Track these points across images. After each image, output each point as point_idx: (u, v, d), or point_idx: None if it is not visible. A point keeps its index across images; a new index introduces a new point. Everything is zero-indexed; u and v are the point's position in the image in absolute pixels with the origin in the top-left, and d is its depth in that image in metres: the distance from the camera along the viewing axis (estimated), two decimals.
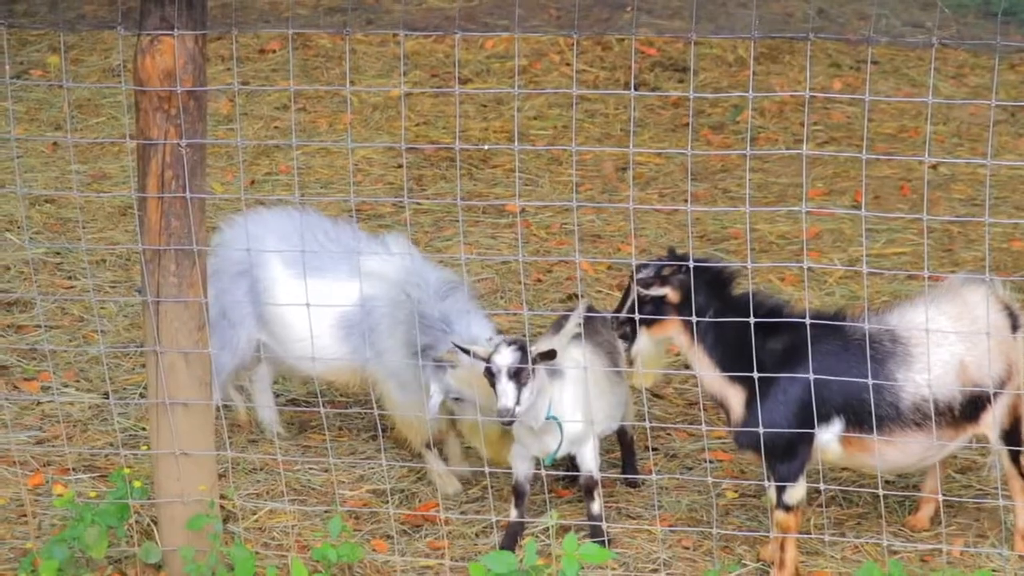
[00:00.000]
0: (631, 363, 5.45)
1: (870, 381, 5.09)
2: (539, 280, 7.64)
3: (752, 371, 5.05)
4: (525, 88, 9.77)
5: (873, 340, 5.21)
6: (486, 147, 8.81)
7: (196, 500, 5.27)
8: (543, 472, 5.53)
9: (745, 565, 5.44)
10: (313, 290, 5.43)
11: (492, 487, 5.78)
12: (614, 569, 5.36)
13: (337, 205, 8.37)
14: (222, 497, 5.41)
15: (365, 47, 10.42)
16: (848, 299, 7.36)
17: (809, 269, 7.34)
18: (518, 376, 5.27)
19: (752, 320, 5.01)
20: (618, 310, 5.41)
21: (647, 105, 9.68)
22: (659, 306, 5.28)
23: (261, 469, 6.07)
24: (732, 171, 8.89)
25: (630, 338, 5.37)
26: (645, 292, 5.26)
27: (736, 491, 5.90)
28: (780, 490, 5.28)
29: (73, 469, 5.93)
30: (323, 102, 9.77)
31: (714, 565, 5.35)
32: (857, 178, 8.66)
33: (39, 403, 6.46)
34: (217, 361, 5.94)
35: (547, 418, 5.43)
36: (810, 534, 5.53)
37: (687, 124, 9.44)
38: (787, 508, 5.29)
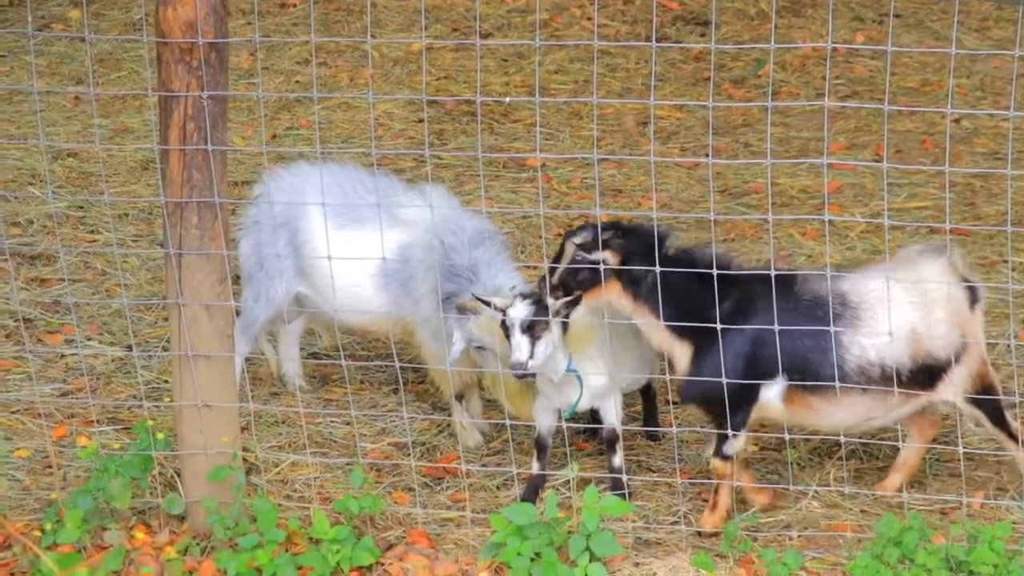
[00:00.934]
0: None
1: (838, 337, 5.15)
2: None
3: (698, 325, 5.14)
4: (546, 41, 9.73)
5: (823, 302, 5.25)
6: (507, 100, 8.79)
7: (219, 452, 5.30)
8: (564, 425, 5.54)
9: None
10: (353, 240, 5.48)
11: (513, 440, 5.80)
12: (634, 521, 5.38)
13: (358, 159, 8.38)
14: (245, 449, 5.44)
15: (386, 0, 10.39)
16: (869, 253, 7.35)
17: (830, 223, 7.33)
18: (532, 330, 5.27)
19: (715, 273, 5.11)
20: (551, 275, 5.36)
21: (668, 59, 9.64)
22: (595, 272, 5.27)
23: (283, 422, 6.10)
24: (753, 125, 8.86)
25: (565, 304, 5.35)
26: (585, 256, 5.27)
27: (756, 444, 5.91)
28: (721, 440, 5.34)
29: (97, 421, 5.97)
30: (344, 56, 9.76)
31: (734, 518, 5.37)
32: (879, 132, 8.62)
33: (63, 356, 6.49)
34: (251, 312, 5.98)
35: (568, 371, 5.44)
36: (830, 487, 5.54)
37: (708, 78, 9.40)
38: (725, 457, 5.37)
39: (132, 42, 9.77)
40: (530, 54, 9.71)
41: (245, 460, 5.44)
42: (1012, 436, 5.41)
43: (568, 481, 5.45)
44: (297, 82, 9.42)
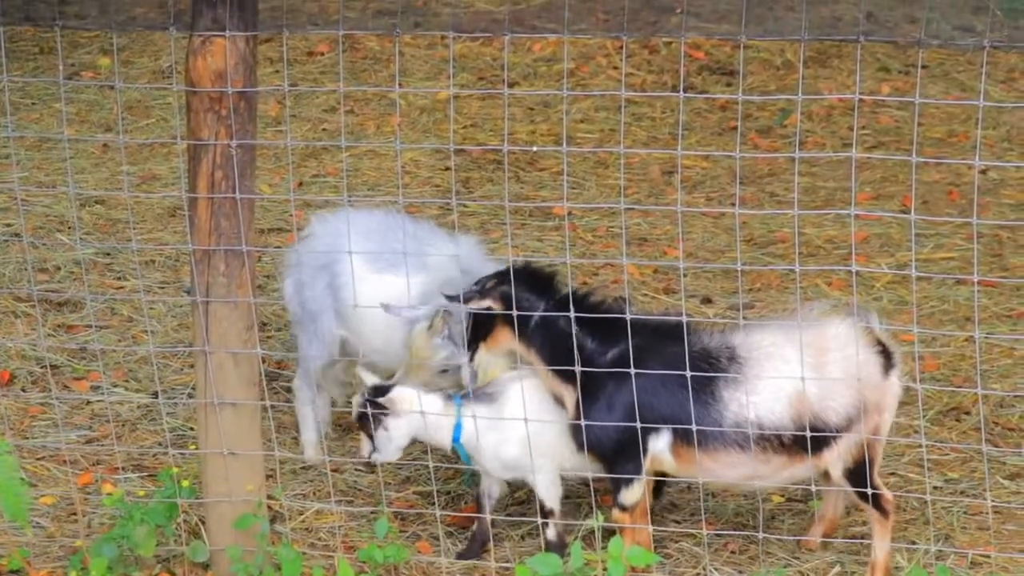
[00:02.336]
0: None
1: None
2: (585, 283, 7.64)
3: (577, 372, 5.13)
4: (573, 91, 9.76)
5: (711, 355, 5.19)
6: (535, 149, 8.82)
7: (244, 500, 5.30)
8: (590, 476, 5.52)
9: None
10: (389, 284, 5.51)
11: None
12: (659, 572, 5.35)
13: (384, 206, 8.41)
14: (269, 497, 5.44)
15: (413, 50, 10.45)
16: (896, 304, 7.33)
17: (857, 273, 7.31)
18: (363, 423, 5.41)
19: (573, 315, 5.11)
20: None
21: (694, 109, 9.66)
22: (491, 320, 5.31)
23: (308, 470, 6.10)
24: (779, 175, 8.86)
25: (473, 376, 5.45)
26: (469, 308, 5.32)
27: (782, 496, 5.88)
28: (616, 489, 5.32)
29: (122, 468, 5.98)
30: (371, 105, 9.81)
31: (759, 570, 5.33)
32: (905, 183, 8.61)
33: (88, 402, 6.51)
34: (306, 356, 5.99)
35: (454, 444, 5.47)
36: (859, 539, 5.51)
37: (734, 128, 9.41)
38: (623, 508, 5.34)
39: (161, 90, 9.84)
40: (556, 103, 9.75)
41: (270, 508, 5.44)
42: (878, 507, 5.28)
43: (593, 531, 5.42)
44: (324, 130, 9.47)
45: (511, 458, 5.45)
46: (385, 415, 5.40)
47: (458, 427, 5.45)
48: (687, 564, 5.50)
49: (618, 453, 5.26)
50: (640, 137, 9.35)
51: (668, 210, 8.21)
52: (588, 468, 5.50)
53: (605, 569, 5.12)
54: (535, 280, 5.32)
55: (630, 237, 8.09)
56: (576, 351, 5.17)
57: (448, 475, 6.07)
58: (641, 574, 5.28)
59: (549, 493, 5.51)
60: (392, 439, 5.44)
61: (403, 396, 5.42)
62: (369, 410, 5.37)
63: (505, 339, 5.37)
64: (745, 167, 8.88)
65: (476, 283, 5.42)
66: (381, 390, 5.42)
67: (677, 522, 5.75)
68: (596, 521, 5.25)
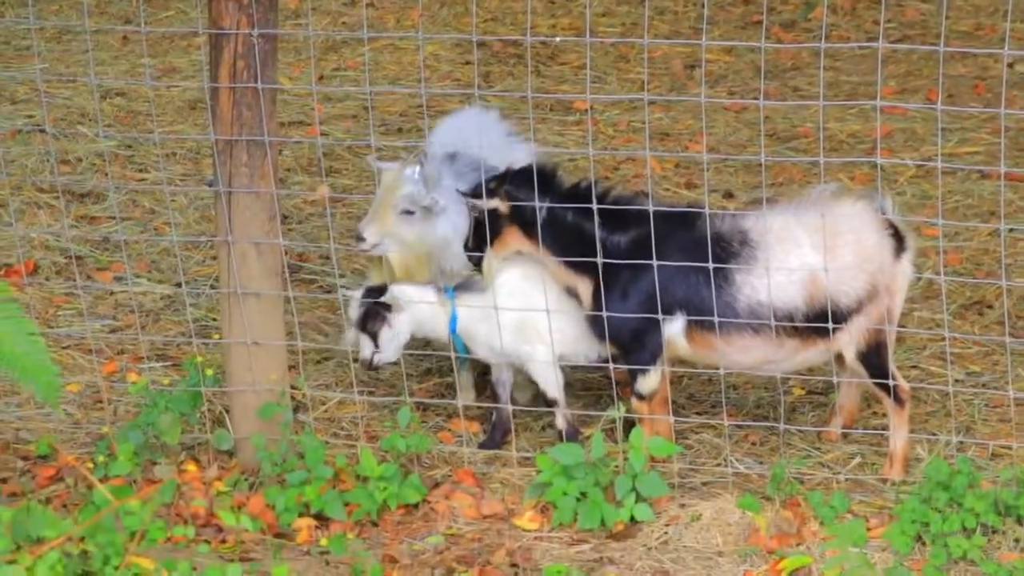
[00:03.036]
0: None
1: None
2: (607, 177, 7.61)
3: (595, 261, 5.13)
4: None
5: (723, 239, 5.19)
6: (557, 40, 8.76)
7: (267, 389, 5.33)
8: (611, 367, 5.54)
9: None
10: None
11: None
12: (680, 463, 5.38)
13: (405, 100, 8.37)
14: (292, 387, 5.47)
15: None
16: (919, 198, 7.29)
17: (880, 167, 7.27)
18: (364, 326, 5.45)
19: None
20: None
21: (717, 3, 9.57)
22: (497, 221, 5.29)
23: (330, 360, 6.12)
24: (802, 69, 8.79)
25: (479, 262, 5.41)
26: (475, 206, 5.29)
27: (803, 388, 5.90)
28: (633, 378, 5.34)
29: (146, 357, 6.01)
30: None
31: (780, 461, 5.36)
32: (930, 77, 8.53)
33: (112, 293, 6.53)
34: None
35: (451, 334, 5.49)
36: (880, 431, 5.53)
37: (757, 22, 9.32)
38: (640, 396, 5.36)
39: None
40: None
41: (293, 398, 5.47)
42: (892, 395, 5.28)
43: (614, 421, 5.46)
44: (344, 23, 9.40)
45: (503, 346, 5.47)
46: (387, 313, 5.44)
47: (454, 318, 5.48)
48: (708, 455, 5.53)
49: (634, 341, 5.27)
50: (662, 31, 9.27)
51: (691, 102, 8.15)
52: (588, 357, 5.53)
53: (626, 459, 5.16)
54: (537, 177, 5.26)
55: (652, 131, 8.04)
56: (590, 242, 5.17)
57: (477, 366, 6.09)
58: (662, 464, 5.31)
59: (547, 381, 5.53)
60: (396, 335, 5.49)
61: (404, 291, 5.44)
62: (372, 309, 5.41)
63: (513, 239, 5.34)
64: (768, 61, 8.80)
65: (478, 184, 5.36)
66: (378, 290, 5.45)
67: (698, 414, 5.77)
68: (617, 412, 5.29)
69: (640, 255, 5.16)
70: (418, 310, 5.46)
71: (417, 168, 5.45)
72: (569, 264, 5.29)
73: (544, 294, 5.33)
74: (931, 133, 7.88)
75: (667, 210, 5.25)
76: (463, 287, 5.50)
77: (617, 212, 5.20)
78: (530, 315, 5.36)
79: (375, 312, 5.44)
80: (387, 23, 9.38)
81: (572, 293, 5.37)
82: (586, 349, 5.53)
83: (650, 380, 5.35)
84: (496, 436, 5.63)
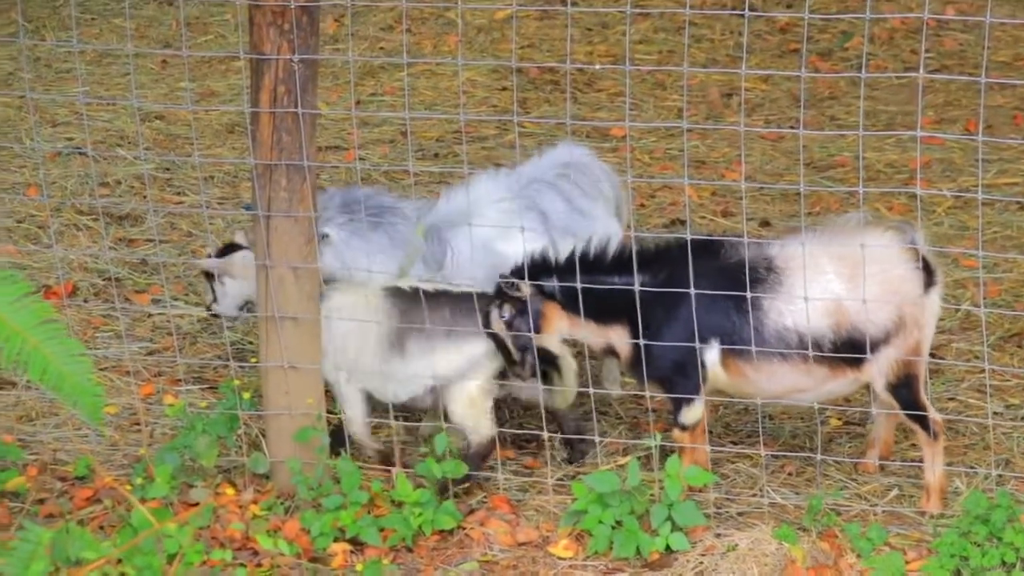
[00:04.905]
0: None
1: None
2: (642, 205, 7.62)
3: (629, 309, 5.17)
4: (637, 9, 9.67)
5: (748, 266, 5.20)
6: (597, 67, 8.77)
7: (303, 413, 5.34)
8: (648, 396, 5.52)
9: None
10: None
11: (596, 408, 5.80)
12: (716, 492, 5.36)
13: (441, 125, 8.39)
14: (328, 411, 5.47)
15: None
16: (957, 229, 7.26)
17: (918, 198, 7.24)
18: (208, 277, 5.76)
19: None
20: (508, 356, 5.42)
21: (754, 31, 9.57)
22: (535, 312, 5.34)
23: None
24: (839, 98, 8.78)
25: (525, 362, 5.41)
26: (513, 297, 5.33)
27: (840, 419, 5.88)
28: (677, 409, 5.35)
29: (183, 380, 6.03)
30: (427, 23, 9.76)
31: (817, 492, 5.34)
32: (969, 107, 8.51)
33: (150, 315, 6.56)
34: None
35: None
36: (917, 463, 5.50)
37: (794, 50, 9.32)
38: (683, 427, 5.37)
39: (218, 6, 9.83)
40: (614, 23, 9.68)
41: (329, 422, 5.47)
42: (925, 427, 5.26)
43: (649, 449, 5.44)
44: (381, 48, 9.44)
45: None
46: (223, 275, 5.69)
47: None
48: (743, 485, 5.51)
49: (677, 373, 5.28)
50: (699, 59, 9.27)
51: (729, 130, 8.15)
52: (397, 396, 5.52)
53: (662, 488, 5.15)
54: (542, 263, 5.33)
55: (688, 159, 8.03)
56: (619, 294, 5.21)
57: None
58: (697, 494, 5.29)
59: (346, 408, 5.54)
60: (228, 295, 5.76)
61: (241, 256, 5.65)
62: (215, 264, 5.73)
63: (556, 319, 5.36)
64: (805, 90, 8.79)
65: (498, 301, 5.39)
66: (228, 249, 5.71)
67: (734, 443, 5.76)
68: (654, 440, 5.27)
69: (671, 292, 5.19)
70: (252, 280, 5.50)
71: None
72: (601, 321, 5.33)
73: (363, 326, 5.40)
74: (969, 163, 7.86)
75: (688, 241, 5.25)
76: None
77: (639, 257, 5.22)
78: (344, 342, 5.44)
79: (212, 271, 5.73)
80: (424, 48, 9.42)
81: (611, 351, 5.40)
82: (394, 388, 5.51)
83: (694, 411, 5.35)
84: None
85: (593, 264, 5.31)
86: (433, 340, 5.44)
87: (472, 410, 5.48)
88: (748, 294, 5.14)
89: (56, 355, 3.93)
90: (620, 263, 5.28)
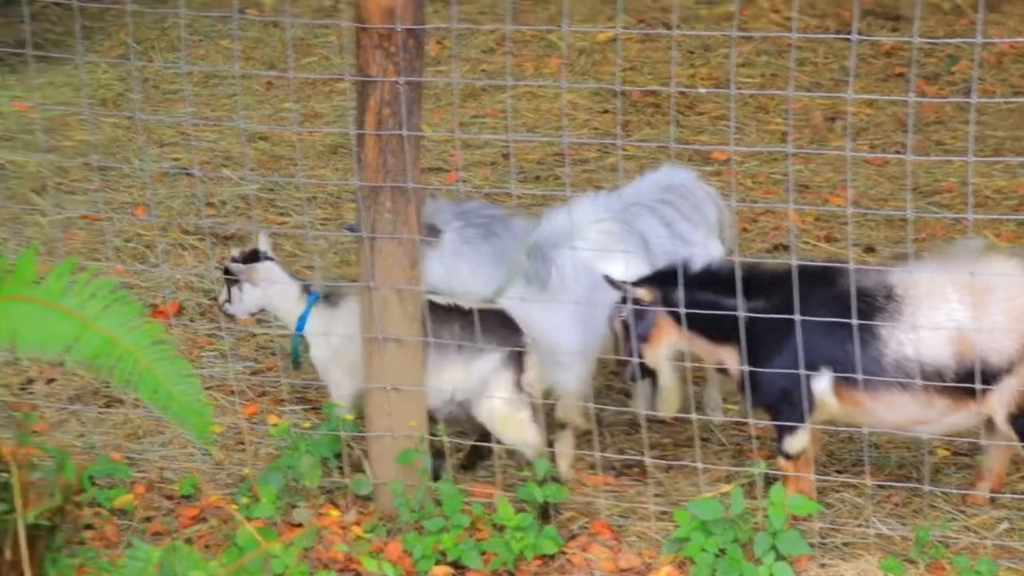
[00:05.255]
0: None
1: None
2: (745, 229, 7.56)
3: (740, 332, 5.12)
4: (742, 33, 9.62)
5: (866, 294, 5.13)
6: (702, 91, 8.73)
7: (406, 435, 5.35)
8: (751, 422, 5.47)
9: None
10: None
11: (699, 436, 5.76)
12: (820, 522, 5.30)
13: (542, 148, 8.39)
14: (431, 433, 5.48)
15: None
16: None
17: None
18: (227, 273, 5.73)
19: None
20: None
21: (858, 54, 9.47)
22: (646, 320, 5.35)
23: None
24: (946, 123, 8.66)
25: (640, 373, 5.44)
26: (635, 299, 5.35)
27: (948, 449, 5.78)
28: (781, 437, 5.30)
29: (286, 400, 6.06)
30: (529, 46, 9.78)
31: (924, 523, 5.25)
32: None
33: (254, 335, 6.61)
34: None
35: (297, 330, 5.68)
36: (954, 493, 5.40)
37: (899, 74, 9.22)
38: (787, 456, 5.31)
39: (323, 27, 9.91)
40: (716, 46, 9.63)
41: (431, 444, 5.47)
42: None
43: (753, 477, 5.39)
44: (483, 70, 9.47)
45: (319, 364, 5.67)
46: (243, 280, 5.70)
47: (303, 318, 5.66)
48: (848, 515, 5.44)
49: (783, 401, 5.22)
50: (802, 82, 9.20)
51: (833, 155, 8.07)
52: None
53: (766, 516, 5.09)
54: (665, 276, 5.33)
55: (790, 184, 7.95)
56: (733, 316, 5.16)
57: (611, 419, 6.07)
58: (802, 523, 5.23)
59: (339, 395, 5.66)
60: (244, 301, 5.74)
61: (264, 268, 5.70)
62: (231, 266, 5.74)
63: (666, 330, 5.37)
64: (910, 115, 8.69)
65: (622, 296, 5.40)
66: (252, 256, 5.75)
67: (839, 472, 5.68)
68: (757, 468, 5.22)
69: (787, 314, 5.12)
70: (272, 292, 5.68)
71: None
72: (714, 339, 5.31)
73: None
74: None
75: (805, 267, 5.20)
76: (328, 297, 5.68)
77: (756, 280, 5.20)
78: (345, 345, 5.50)
79: (232, 275, 5.72)
80: (526, 71, 9.43)
81: (721, 369, 5.40)
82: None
83: (799, 439, 5.29)
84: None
85: (712, 282, 5.28)
86: (446, 355, 5.47)
87: (508, 426, 5.49)
88: (854, 321, 5.07)
89: (166, 375, 3.97)
90: (734, 283, 5.21)
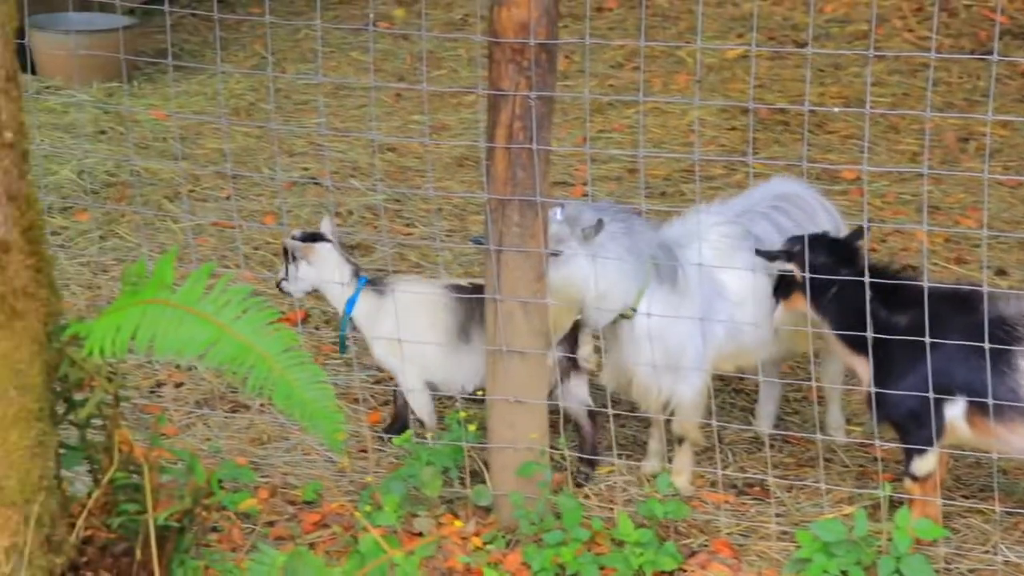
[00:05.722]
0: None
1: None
2: (873, 249, 7.47)
3: (871, 344, 5.09)
4: (876, 52, 9.52)
5: (1007, 323, 5.05)
6: (835, 110, 8.66)
7: (527, 448, 5.36)
8: (877, 445, 5.41)
9: None
10: None
11: (823, 457, 5.71)
12: (946, 547, 5.22)
13: (668, 164, 8.38)
14: (552, 447, 5.49)
15: (703, 7, 10.35)
16: None
17: None
18: (286, 254, 5.87)
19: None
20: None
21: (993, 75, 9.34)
22: (791, 284, 5.39)
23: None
24: None
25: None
26: (771, 265, 5.44)
27: None
28: (908, 459, 5.23)
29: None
30: (658, 62, 9.77)
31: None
32: None
33: None
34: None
35: (346, 313, 5.85)
36: None
37: None
38: (914, 478, 5.24)
39: (451, 41, 9.99)
40: (847, 65, 9.54)
41: (551, 458, 5.48)
42: None
43: (877, 500, 5.32)
44: (611, 85, 9.47)
45: (378, 354, 5.85)
46: (300, 258, 5.84)
47: (351, 301, 5.81)
48: (975, 541, 5.35)
49: (912, 421, 5.16)
50: (936, 103, 9.08)
51: (965, 176, 7.95)
52: (464, 388, 5.84)
53: (890, 540, 5.03)
54: (837, 249, 5.30)
55: (922, 205, 7.86)
56: (870, 320, 5.12)
57: (733, 437, 6.03)
58: (926, 547, 5.15)
59: (414, 400, 5.89)
60: (299, 278, 5.87)
61: (320, 248, 5.84)
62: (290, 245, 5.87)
63: (799, 303, 5.40)
64: None
65: (785, 243, 5.43)
66: (311, 236, 5.88)
67: (965, 497, 5.59)
68: (883, 491, 5.16)
69: (919, 336, 5.06)
70: (325, 272, 5.83)
71: (559, 210, 5.44)
72: (846, 341, 5.26)
73: (420, 321, 5.71)
74: None
75: (950, 290, 5.17)
76: (376, 281, 5.87)
77: (900, 292, 5.14)
78: (408, 335, 5.65)
79: (291, 251, 5.85)
80: (654, 87, 9.42)
81: (850, 370, 5.36)
82: (461, 380, 5.83)
83: (926, 462, 5.23)
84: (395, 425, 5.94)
85: (859, 285, 5.21)
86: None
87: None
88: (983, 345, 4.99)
89: (299, 381, 4.02)
90: (886, 292, 5.19)
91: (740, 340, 5.60)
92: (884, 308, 5.19)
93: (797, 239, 5.38)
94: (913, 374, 5.14)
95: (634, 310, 5.48)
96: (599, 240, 5.40)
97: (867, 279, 5.12)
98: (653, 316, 5.44)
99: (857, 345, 5.23)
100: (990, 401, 5.03)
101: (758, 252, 5.45)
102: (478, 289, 5.58)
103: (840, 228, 5.88)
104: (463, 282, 5.93)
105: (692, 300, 5.51)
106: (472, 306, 5.75)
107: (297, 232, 5.94)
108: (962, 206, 7.92)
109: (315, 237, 5.89)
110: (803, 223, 5.74)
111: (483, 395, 5.51)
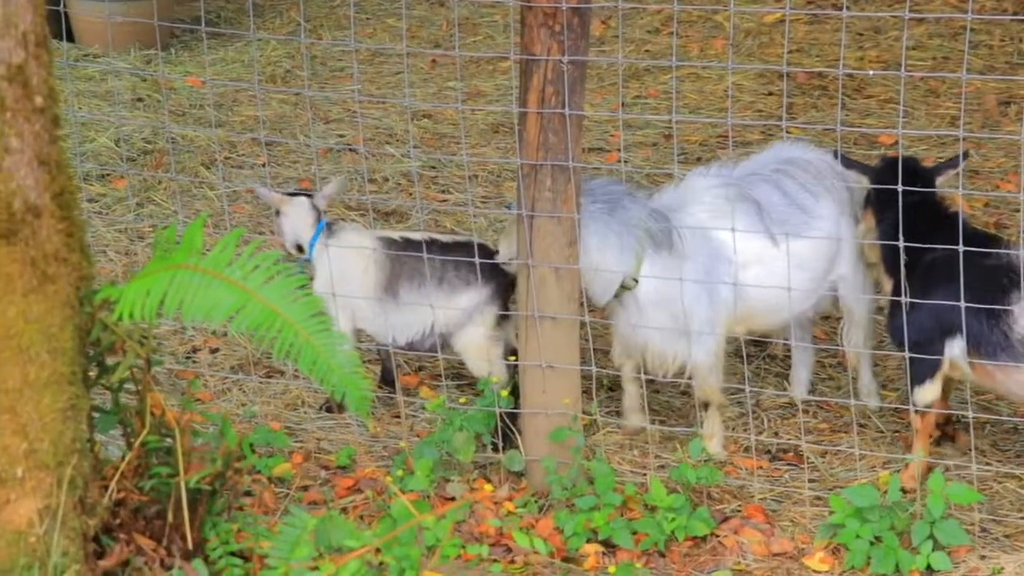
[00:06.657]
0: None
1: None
2: None
3: (901, 269, 5.24)
4: (916, 14, 9.42)
5: (1012, 270, 5.15)
6: (871, 73, 8.58)
7: (559, 413, 5.36)
8: (912, 410, 5.38)
9: None
10: None
11: (857, 421, 5.69)
12: (981, 511, 5.19)
13: (704, 129, 8.33)
14: (584, 412, 5.48)
15: None
16: None
17: None
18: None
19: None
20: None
21: None
22: (867, 197, 5.64)
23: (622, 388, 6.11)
24: None
25: None
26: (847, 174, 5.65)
27: None
28: (912, 387, 5.32)
29: (443, 375, 6.12)
30: (695, 27, 9.70)
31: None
32: None
33: None
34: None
35: (309, 254, 5.92)
36: None
37: None
38: (915, 407, 5.34)
39: (488, 7, 9.95)
40: (886, 28, 9.45)
41: (584, 423, 5.48)
42: None
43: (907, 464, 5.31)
44: (647, 51, 9.42)
45: (318, 291, 5.73)
46: (279, 211, 5.96)
47: (311, 244, 5.90)
48: (1011, 506, 5.32)
49: (916, 348, 5.26)
50: (975, 66, 8.98)
51: (1005, 140, 7.87)
52: (396, 341, 5.88)
53: (924, 505, 5.01)
54: (909, 172, 5.35)
55: (962, 169, 7.77)
56: (903, 248, 5.22)
57: (766, 402, 6.02)
58: (962, 512, 5.13)
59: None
60: (282, 232, 5.97)
61: (292, 201, 5.94)
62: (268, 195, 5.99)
63: (869, 220, 5.60)
64: None
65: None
66: (300, 192, 6.02)
67: (999, 462, 5.56)
68: (917, 456, 5.14)
69: (938, 272, 5.23)
70: (294, 219, 5.92)
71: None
72: (886, 261, 5.46)
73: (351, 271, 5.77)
74: None
75: (984, 234, 5.36)
76: (330, 226, 5.93)
77: (935, 227, 5.30)
78: (340, 281, 5.71)
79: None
80: (691, 52, 9.36)
81: (878, 285, 5.59)
82: (391, 333, 5.87)
83: (926, 392, 5.31)
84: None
85: (925, 212, 5.36)
86: (426, 290, 5.73)
87: (480, 359, 5.80)
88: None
89: (325, 347, 4.03)
90: (926, 224, 5.32)
91: (749, 302, 5.56)
92: (923, 239, 5.25)
93: (887, 158, 5.59)
94: (920, 307, 5.26)
95: (636, 280, 5.47)
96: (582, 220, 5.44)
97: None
98: (655, 280, 5.43)
99: (888, 264, 5.41)
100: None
101: (843, 159, 5.62)
102: (410, 244, 5.76)
103: (857, 195, 5.83)
104: (395, 235, 5.94)
105: (694, 262, 5.49)
106: (402, 261, 5.81)
107: (293, 190, 6.09)
108: (1003, 170, 7.84)
109: (301, 193, 6.00)
110: (810, 186, 5.69)
111: (515, 360, 5.51)
